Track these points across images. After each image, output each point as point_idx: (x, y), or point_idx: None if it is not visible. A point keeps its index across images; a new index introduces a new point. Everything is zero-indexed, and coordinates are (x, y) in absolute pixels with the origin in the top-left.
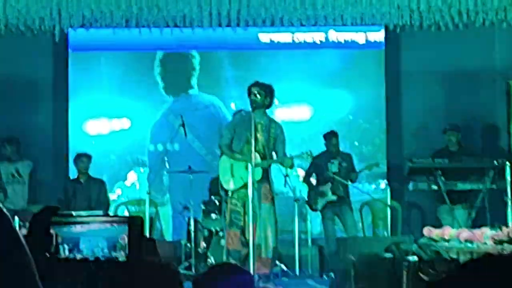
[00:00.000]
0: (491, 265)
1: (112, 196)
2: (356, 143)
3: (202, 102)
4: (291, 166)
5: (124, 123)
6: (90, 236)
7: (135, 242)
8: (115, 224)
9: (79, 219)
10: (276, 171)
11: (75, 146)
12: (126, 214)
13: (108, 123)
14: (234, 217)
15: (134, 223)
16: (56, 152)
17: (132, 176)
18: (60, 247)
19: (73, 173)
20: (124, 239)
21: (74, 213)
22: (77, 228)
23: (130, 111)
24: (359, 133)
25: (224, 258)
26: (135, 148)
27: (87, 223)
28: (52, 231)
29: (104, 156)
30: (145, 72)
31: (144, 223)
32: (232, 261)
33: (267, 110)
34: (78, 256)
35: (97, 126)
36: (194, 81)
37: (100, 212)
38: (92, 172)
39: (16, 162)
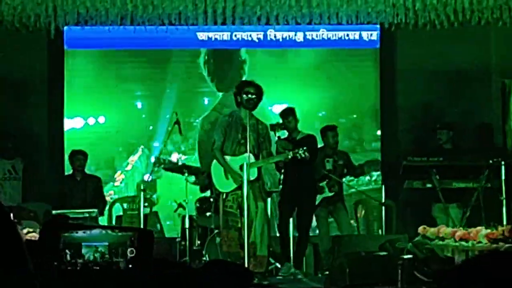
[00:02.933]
0: (498, 259)
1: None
2: (350, 141)
3: None
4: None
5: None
6: (92, 241)
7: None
8: (117, 231)
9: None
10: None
11: (70, 143)
12: (120, 212)
13: (103, 119)
14: (230, 219)
15: (146, 237)
16: (52, 149)
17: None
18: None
19: (68, 170)
20: (132, 251)
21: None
22: (79, 233)
23: (123, 108)
24: (353, 131)
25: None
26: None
27: (89, 228)
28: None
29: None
30: (139, 68)
31: (153, 237)
32: None
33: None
34: (80, 261)
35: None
36: None
37: (95, 210)
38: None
39: (12, 159)
